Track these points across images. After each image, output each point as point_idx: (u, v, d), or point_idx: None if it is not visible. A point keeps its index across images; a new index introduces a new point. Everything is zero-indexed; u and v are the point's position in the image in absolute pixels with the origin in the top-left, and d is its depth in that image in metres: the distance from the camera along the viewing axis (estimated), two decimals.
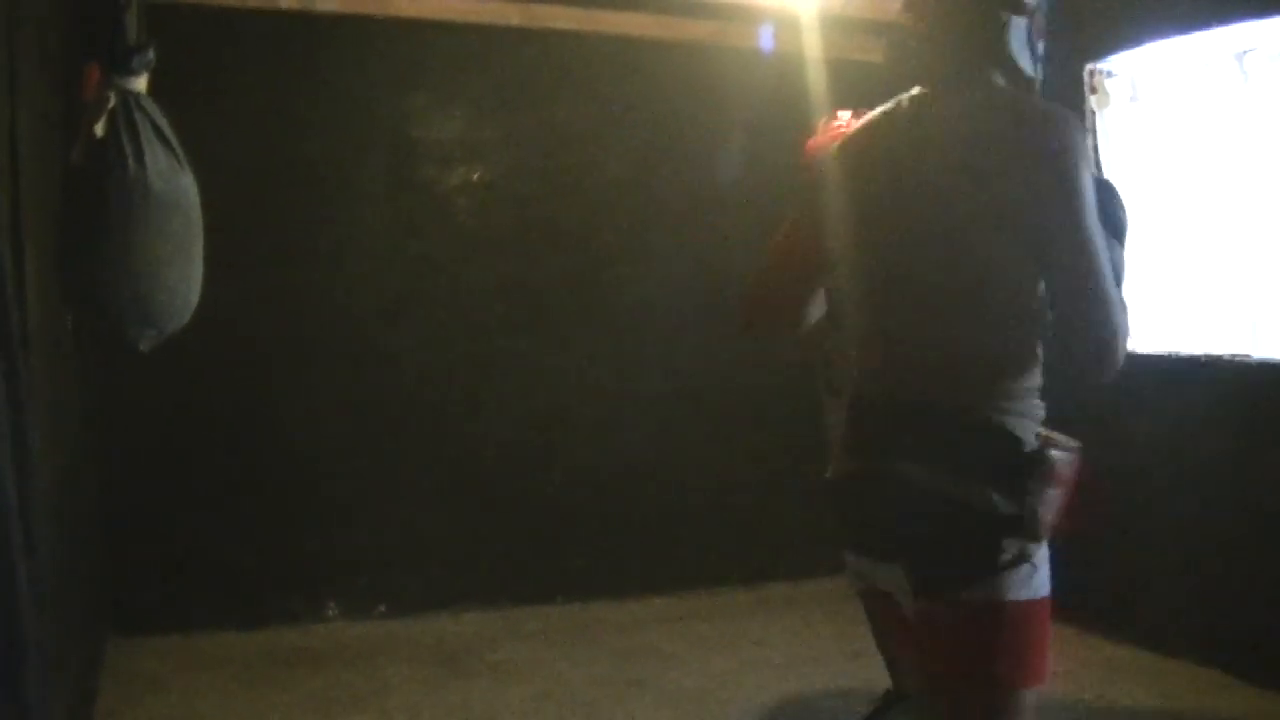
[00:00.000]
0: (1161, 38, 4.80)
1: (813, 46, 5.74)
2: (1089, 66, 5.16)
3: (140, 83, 2.80)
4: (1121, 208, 2.15)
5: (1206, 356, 4.68)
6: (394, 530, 5.59)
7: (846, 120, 3.25)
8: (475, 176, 5.77)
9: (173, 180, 2.79)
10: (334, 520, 5.49)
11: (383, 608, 5.55)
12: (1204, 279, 4.91)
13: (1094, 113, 5.17)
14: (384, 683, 4.64)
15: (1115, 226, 2.12)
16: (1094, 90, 5.17)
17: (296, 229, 5.45)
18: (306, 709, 4.39)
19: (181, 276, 2.87)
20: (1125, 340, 2.04)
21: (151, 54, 2.83)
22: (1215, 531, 4.61)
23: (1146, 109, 5.09)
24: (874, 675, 4.66)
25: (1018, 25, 2.22)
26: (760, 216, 6.22)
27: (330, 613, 5.48)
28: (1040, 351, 2.16)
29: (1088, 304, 2.00)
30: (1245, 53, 4.63)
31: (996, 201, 1.98)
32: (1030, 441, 2.10)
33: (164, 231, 2.77)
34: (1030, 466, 2.08)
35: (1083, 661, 4.78)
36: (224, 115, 5.19)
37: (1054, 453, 2.10)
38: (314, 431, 5.47)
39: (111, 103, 2.73)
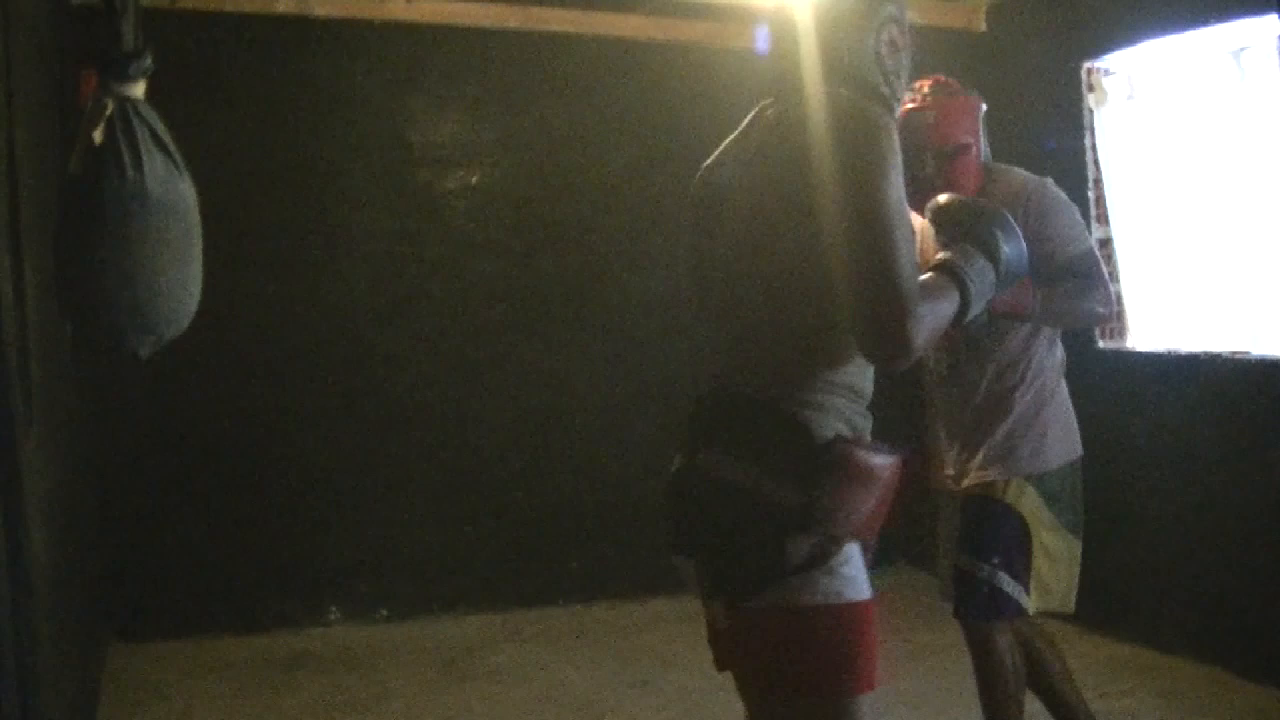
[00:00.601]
0: (1159, 36, 4.80)
1: None
2: (1086, 65, 5.16)
3: (138, 89, 2.79)
4: (997, 231, 2.23)
5: (1205, 354, 4.68)
6: (394, 534, 5.59)
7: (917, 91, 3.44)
8: (473, 179, 5.77)
9: (171, 186, 2.78)
10: (334, 524, 5.49)
11: (383, 611, 5.55)
12: (1202, 276, 4.90)
13: (1092, 111, 5.17)
14: (385, 687, 4.64)
15: (985, 244, 2.22)
16: (1092, 88, 5.18)
17: (294, 232, 5.45)
18: (307, 714, 4.39)
19: (180, 282, 2.86)
20: (918, 330, 1.89)
21: (149, 60, 2.82)
22: (1215, 528, 4.61)
23: (1144, 107, 5.09)
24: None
25: (863, 40, 2.19)
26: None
27: (331, 617, 5.48)
28: (853, 348, 2.02)
29: (866, 293, 1.89)
30: (1242, 50, 4.63)
31: (792, 195, 1.97)
32: (825, 435, 1.98)
33: (163, 238, 2.76)
34: (818, 459, 1.96)
35: (1083, 659, 4.78)
36: (222, 120, 5.19)
37: (857, 451, 1.99)
38: (313, 435, 5.47)
39: (109, 109, 2.72)
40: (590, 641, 5.24)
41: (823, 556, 1.97)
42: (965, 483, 3.37)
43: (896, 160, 1.92)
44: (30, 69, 3.24)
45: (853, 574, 2.04)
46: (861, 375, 2.09)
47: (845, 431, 2.02)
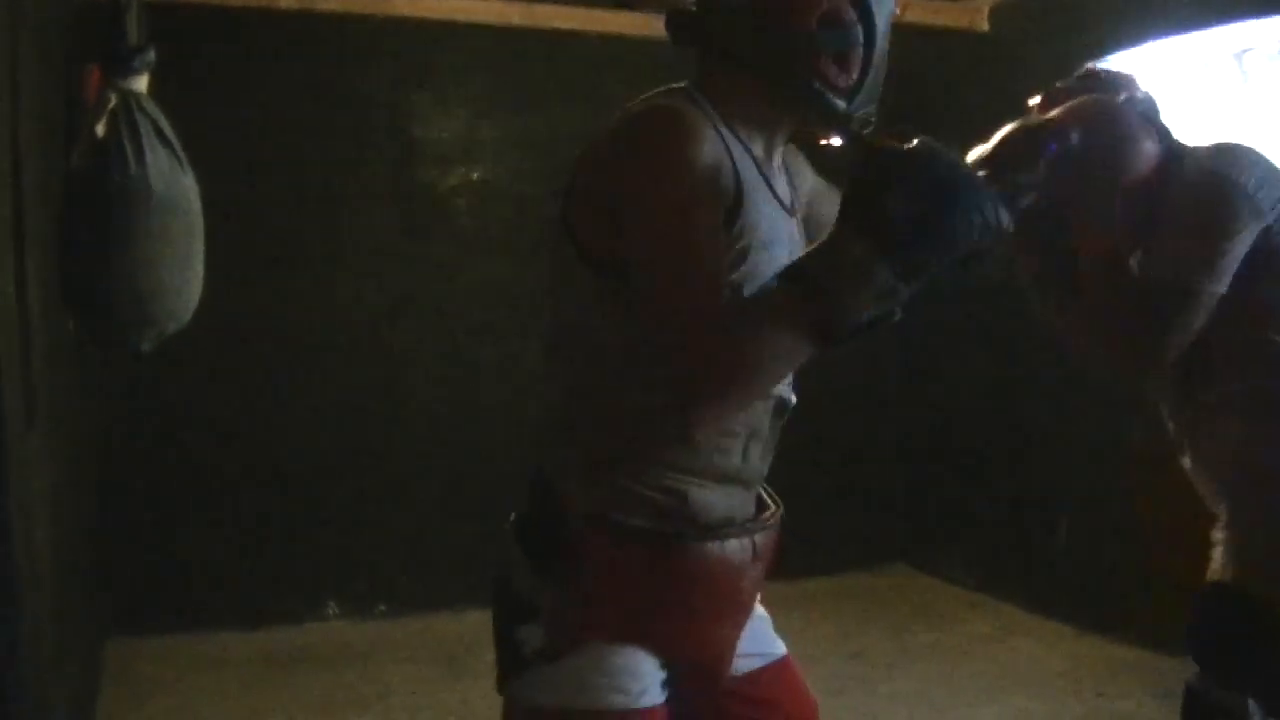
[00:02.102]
0: (1161, 37, 4.80)
1: None
2: (1088, 66, 5.16)
3: (141, 83, 2.80)
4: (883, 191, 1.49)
5: None
6: (394, 530, 5.59)
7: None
8: (475, 176, 5.77)
9: (174, 181, 2.79)
10: (334, 520, 5.49)
11: (383, 608, 5.55)
12: None
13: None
14: (385, 683, 4.64)
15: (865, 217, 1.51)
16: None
17: (296, 229, 5.46)
18: (307, 709, 4.39)
19: (182, 277, 2.87)
20: (724, 377, 1.50)
21: (152, 55, 2.83)
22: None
23: None
24: (873, 675, 4.67)
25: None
26: None
27: (330, 613, 5.48)
28: (649, 400, 1.59)
29: (657, 326, 1.54)
30: (1245, 52, 4.63)
31: (564, 219, 1.71)
32: (579, 514, 1.65)
33: (165, 232, 2.77)
34: (556, 543, 1.67)
35: (1081, 660, 4.79)
36: (224, 116, 5.19)
37: (608, 539, 1.63)
38: (314, 431, 5.48)
39: (112, 104, 2.73)
40: None
41: (557, 652, 1.65)
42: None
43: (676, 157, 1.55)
44: (34, 64, 3.24)
45: (601, 680, 1.64)
46: (677, 439, 1.65)
47: (634, 513, 1.64)
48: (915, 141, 1.51)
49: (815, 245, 1.54)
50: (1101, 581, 5.14)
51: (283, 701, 4.46)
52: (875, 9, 1.67)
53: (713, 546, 1.68)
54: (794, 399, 1.84)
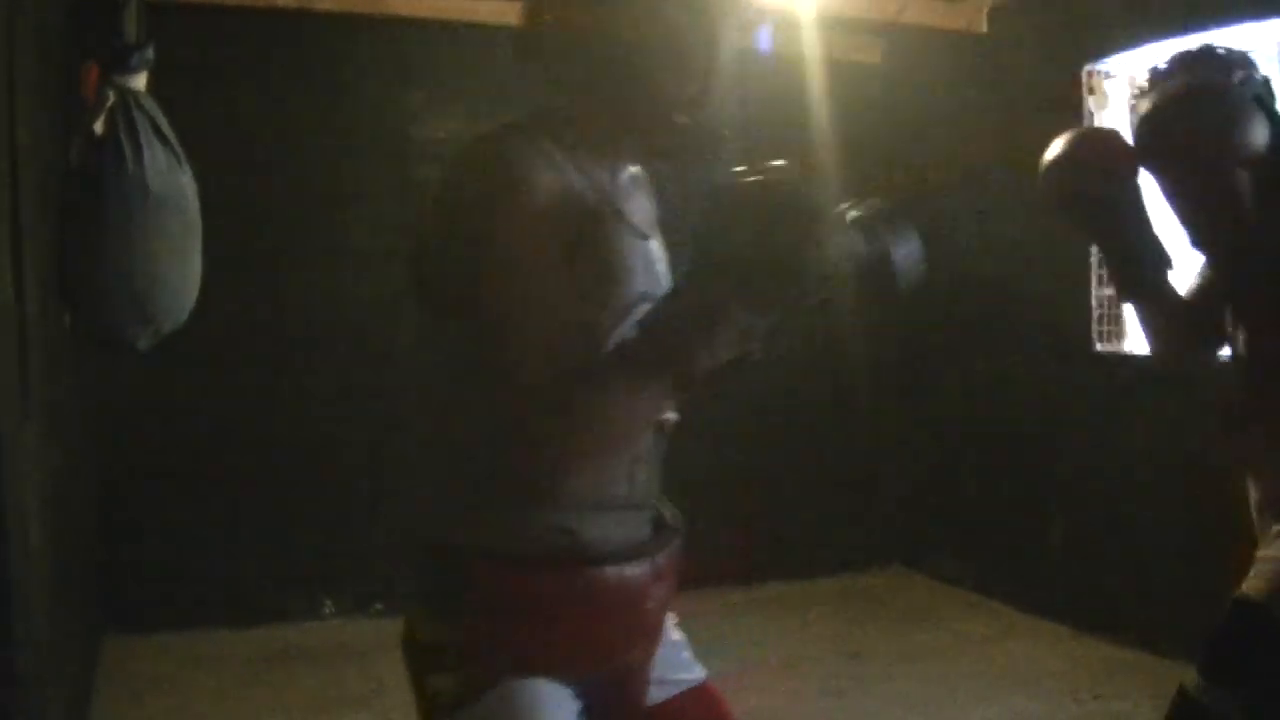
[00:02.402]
0: (1160, 39, 4.81)
1: (810, 46, 5.75)
2: (1087, 68, 5.17)
3: (139, 81, 2.80)
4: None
5: None
6: (390, 528, 5.58)
7: None
8: None
9: (172, 178, 2.79)
10: (330, 518, 5.49)
11: (379, 605, 5.54)
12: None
13: (1092, 114, 5.18)
14: (380, 681, 4.63)
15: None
16: (1092, 91, 5.18)
17: (294, 227, 5.45)
18: (303, 707, 4.39)
19: (180, 274, 2.87)
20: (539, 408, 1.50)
21: (151, 53, 2.83)
22: (1211, 531, 4.61)
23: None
24: (871, 675, 4.67)
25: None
26: None
27: (327, 611, 5.48)
28: (522, 449, 1.56)
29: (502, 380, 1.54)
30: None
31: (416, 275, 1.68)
32: (467, 554, 1.63)
33: (163, 230, 2.77)
34: (449, 584, 1.66)
35: (1078, 661, 4.79)
36: (222, 113, 5.19)
37: (498, 571, 1.62)
38: (310, 429, 5.47)
39: (110, 101, 2.73)
40: None
41: (471, 695, 1.62)
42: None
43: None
44: (32, 61, 3.24)
45: (512, 712, 1.62)
46: (555, 468, 1.59)
47: (526, 549, 1.62)
48: (769, 173, 1.51)
49: (671, 288, 1.57)
50: (1098, 583, 5.14)
51: (279, 699, 4.46)
52: (717, 27, 1.66)
53: (610, 571, 1.66)
54: (676, 416, 1.81)
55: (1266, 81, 2.20)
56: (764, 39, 5.86)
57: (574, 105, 1.70)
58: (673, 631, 1.90)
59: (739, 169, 1.52)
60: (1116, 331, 5.19)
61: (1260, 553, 2.40)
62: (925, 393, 6.39)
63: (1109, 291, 5.18)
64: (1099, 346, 5.18)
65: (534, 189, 1.54)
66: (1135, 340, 5.16)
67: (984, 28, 5.71)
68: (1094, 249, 5.16)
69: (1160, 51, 4.83)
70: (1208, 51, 2.24)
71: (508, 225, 1.52)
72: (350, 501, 5.51)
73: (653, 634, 1.79)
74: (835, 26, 5.79)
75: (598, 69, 1.65)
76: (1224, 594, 4.60)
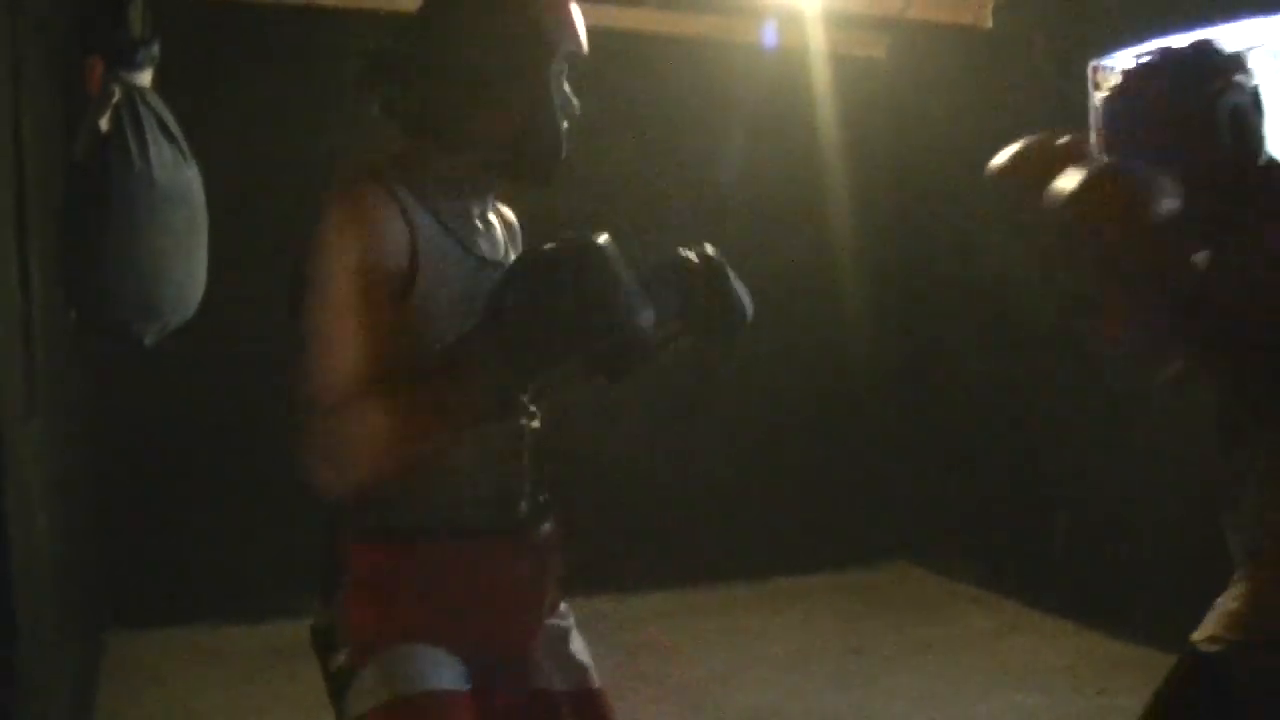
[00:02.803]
0: (1165, 34, 4.79)
1: (816, 42, 5.75)
2: (1093, 63, 5.16)
3: (145, 77, 2.80)
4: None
5: None
6: None
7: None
8: None
9: (177, 174, 2.79)
10: None
11: None
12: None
13: (1097, 109, 5.16)
14: None
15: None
16: (1098, 86, 5.17)
17: (299, 223, 5.44)
18: (307, 702, 4.38)
19: (185, 270, 2.87)
20: (332, 461, 1.68)
21: (156, 48, 2.83)
22: (1216, 527, 4.61)
23: None
24: (876, 670, 4.67)
25: None
26: (762, 209, 6.24)
27: None
28: None
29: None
30: (1249, 49, 4.62)
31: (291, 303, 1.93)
32: (344, 536, 1.82)
33: (168, 225, 2.77)
34: (328, 566, 1.83)
35: (1083, 657, 4.79)
36: (228, 109, 5.19)
37: (361, 547, 1.80)
38: None
39: (116, 97, 2.73)
40: (591, 634, 5.19)
41: (359, 665, 1.77)
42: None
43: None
44: (38, 56, 3.25)
45: (402, 670, 1.76)
46: (418, 478, 1.79)
47: (392, 531, 1.80)
48: (559, 243, 1.62)
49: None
50: (1102, 578, 5.14)
51: (283, 694, 4.46)
52: (541, 69, 1.86)
53: (462, 545, 1.82)
54: (535, 424, 1.98)
55: (1254, 90, 2.06)
56: (769, 34, 5.87)
57: (423, 148, 1.85)
58: (576, 640, 2.08)
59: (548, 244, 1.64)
60: None
61: (1221, 599, 2.28)
62: (930, 389, 6.39)
63: None
64: None
65: (363, 233, 1.73)
66: None
67: (989, 23, 5.70)
68: None
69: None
70: (1189, 55, 2.12)
71: (328, 266, 1.74)
72: None
73: (524, 611, 1.94)
74: (840, 22, 5.79)
75: (429, 107, 1.82)
76: (1228, 588, 4.59)
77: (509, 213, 2.19)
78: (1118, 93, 2.13)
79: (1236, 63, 2.07)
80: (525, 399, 1.90)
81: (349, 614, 1.79)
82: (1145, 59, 2.12)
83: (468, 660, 1.83)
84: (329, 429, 1.68)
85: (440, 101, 1.81)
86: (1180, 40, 2.14)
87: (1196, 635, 2.19)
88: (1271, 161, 2.04)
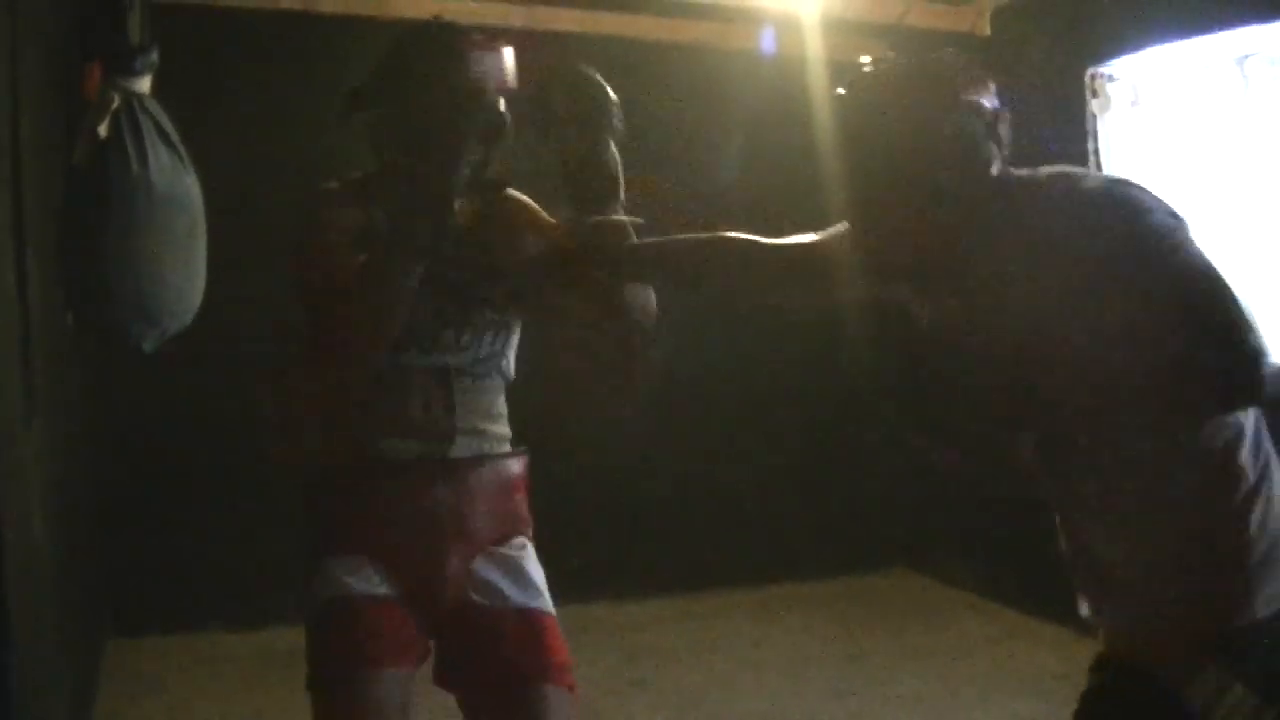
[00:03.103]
0: (1163, 42, 4.81)
1: (814, 48, 5.75)
2: (1090, 70, 5.16)
3: (144, 83, 2.81)
4: None
5: None
6: None
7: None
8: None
9: (176, 180, 2.79)
10: None
11: None
12: None
13: (1095, 116, 5.17)
14: None
15: None
16: (1095, 94, 5.18)
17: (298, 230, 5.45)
18: (306, 709, 4.39)
19: (184, 276, 2.87)
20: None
21: (155, 54, 2.83)
22: None
23: (1148, 113, 5.10)
24: (875, 677, 4.67)
25: None
26: (760, 218, 6.24)
27: None
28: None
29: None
30: (1246, 58, 4.63)
31: None
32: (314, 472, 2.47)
33: (167, 231, 2.77)
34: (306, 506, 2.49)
35: (1080, 663, 4.76)
36: (226, 115, 5.19)
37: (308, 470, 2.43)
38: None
39: (115, 103, 2.74)
40: (589, 640, 5.23)
41: (307, 585, 2.31)
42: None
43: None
44: (36, 62, 3.25)
45: (326, 579, 2.25)
46: (358, 410, 2.28)
47: (340, 458, 2.33)
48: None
49: None
50: None
51: (281, 701, 4.46)
52: (464, 126, 2.37)
53: (397, 472, 2.25)
54: (453, 362, 2.36)
55: (988, 117, 2.01)
56: (767, 41, 5.87)
57: (382, 169, 2.49)
58: (510, 551, 2.40)
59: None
60: None
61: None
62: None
63: None
64: None
65: (329, 228, 2.40)
66: None
67: (987, 30, 5.71)
68: None
69: (1163, 55, 4.85)
70: (920, 72, 2.00)
71: (307, 258, 2.41)
72: None
73: (447, 534, 2.28)
74: (838, 29, 5.79)
75: (386, 146, 2.46)
76: None
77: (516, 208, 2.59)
78: (843, 101, 1.99)
79: (974, 82, 2.01)
80: (452, 336, 2.32)
81: (311, 537, 2.34)
82: (872, 74, 1.99)
83: (396, 573, 2.23)
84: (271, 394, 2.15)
85: (382, 143, 2.51)
86: (919, 57, 2.03)
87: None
88: (1005, 172, 1.95)
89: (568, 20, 5.65)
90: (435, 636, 2.29)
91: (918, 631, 5.31)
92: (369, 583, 2.20)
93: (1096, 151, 5.16)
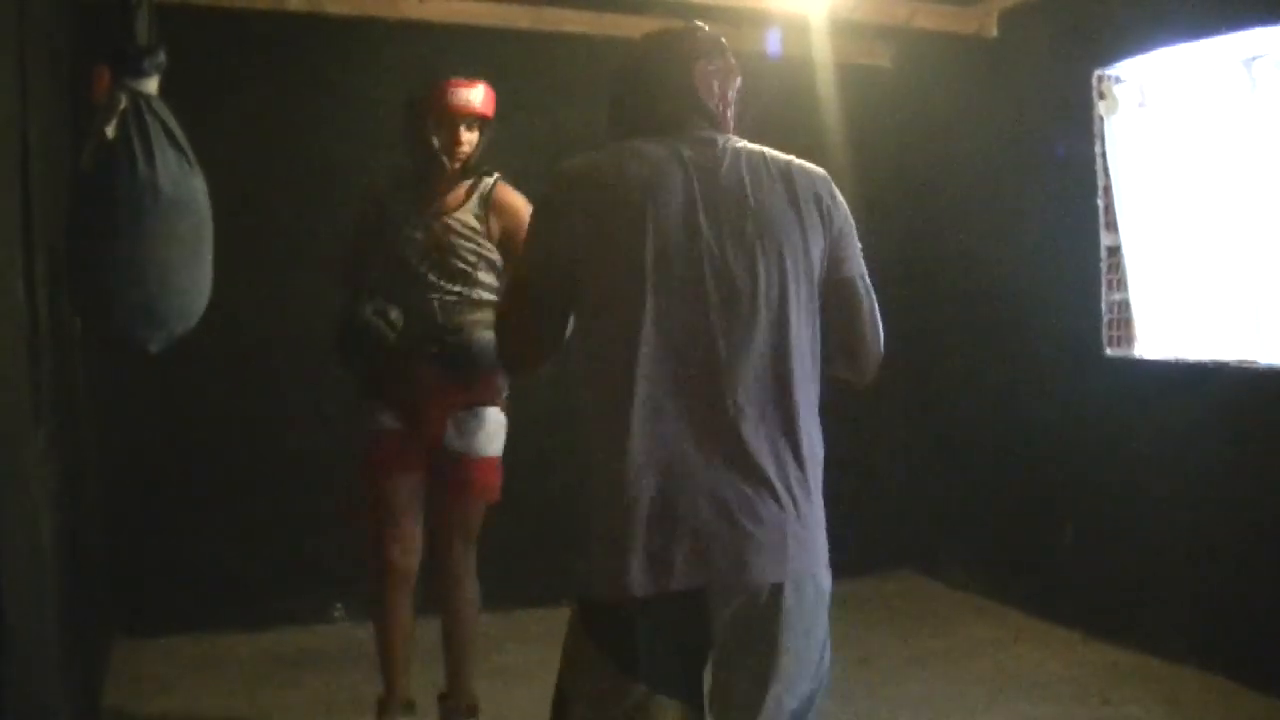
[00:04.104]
0: (1170, 44, 4.80)
1: (821, 50, 5.75)
2: (1097, 72, 5.16)
3: (151, 84, 2.80)
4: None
5: (1212, 363, 4.68)
6: None
7: None
8: None
9: (183, 182, 2.79)
10: (341, 522, 5.49)
11: None
12: (1211, 284, 4.90)
13: (1102, 118, 5.17)
14: None
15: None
16: (1102, 96, 5.17)
17: (304, 230, 5.46)
18: (312, 710, 4.40)
19: (191, 278, 2.87)
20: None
21: (162, 56, 2.83)
22: (1221, 537, 4.60)
23: (1155, 115, 5.09)
24: (879, 680, 4.66)
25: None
26: None
27: (336, 614, 5.49)
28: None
29: None
30: (1253, 59, 4.62)
31: None
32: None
33: (174, 233, 2.77)
34: None
35: (1087, 666, 4.78)
36: (233, 117, 5.20)
37: None
38: (320, 432, 5.47)
39: (122, 105, 2.73)
40: None
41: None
42: None
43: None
44: (43, 64, 3.25)
45: (364, 419, 3.99)
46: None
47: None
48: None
49: None
50: (1108, 588, 5.13)
51: (287, 702, 4.47)
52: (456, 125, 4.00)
53: (397, 360, 3.79)
54: (447, 298, 3.85)
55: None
56: (774, 43, 5.87)
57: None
58: (469, 420, 3.96)
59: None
60: (1127, 336, 5.18)
61: None
62: (936, 398, 6.39)
63: (1119, 296, 5.17)
64: (1109, 351, 5.16)
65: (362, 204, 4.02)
66: (1146, 345, 5.15)
67: (994, 32, 5.70)
68: (1104, 254, 5.16)
69: (1170, 56, 4.84)
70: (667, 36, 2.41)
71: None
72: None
73: (429, 398, 3.85)
74: (845, 30, 5.79)
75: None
76: (1233, 599, 4.62)
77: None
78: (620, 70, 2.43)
79: (711, 47, 2.37)
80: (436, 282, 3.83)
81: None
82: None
83: (403, 419, 3.88)
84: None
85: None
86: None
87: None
88: None
89: (574, 22, 5.66)
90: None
91: (925, 635, 5.30)
92: (389, 421, 3.91)
93: (1103, 153, 5.16)
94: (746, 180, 2.18)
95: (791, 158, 2.29)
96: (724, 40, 2.38)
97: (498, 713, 4.35)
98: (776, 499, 2.17)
